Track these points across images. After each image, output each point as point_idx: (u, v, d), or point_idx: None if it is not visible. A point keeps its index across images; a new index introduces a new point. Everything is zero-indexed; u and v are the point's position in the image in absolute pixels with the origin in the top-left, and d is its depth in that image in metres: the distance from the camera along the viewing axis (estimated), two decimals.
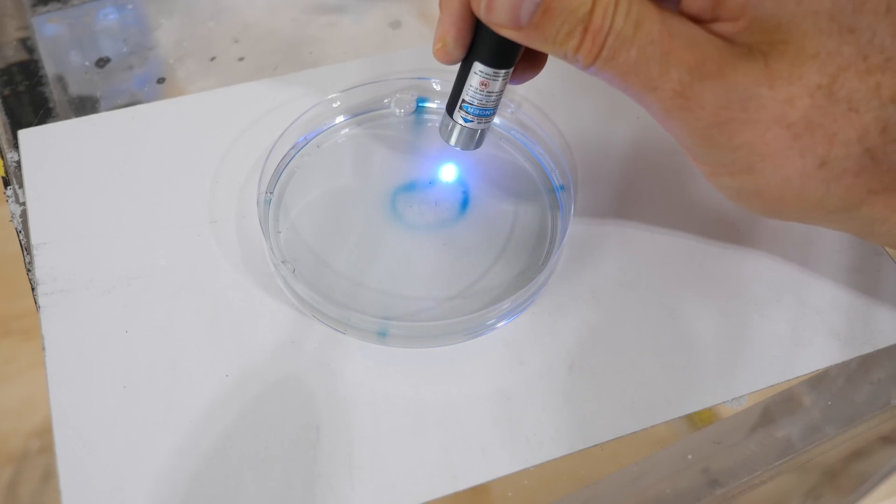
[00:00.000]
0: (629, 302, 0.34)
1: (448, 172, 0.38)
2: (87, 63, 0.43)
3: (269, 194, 0.36)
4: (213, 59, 0.44)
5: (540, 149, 0.38)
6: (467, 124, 0.32)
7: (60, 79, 0.43)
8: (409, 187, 0.37)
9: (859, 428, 0.33)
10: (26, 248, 0.35)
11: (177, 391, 0.31)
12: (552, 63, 0.43)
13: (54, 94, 0.42)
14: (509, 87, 0.41)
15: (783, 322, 0.34)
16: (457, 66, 0.31)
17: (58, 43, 0.45)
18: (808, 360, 0.33)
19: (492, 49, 0.30)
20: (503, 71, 0.30)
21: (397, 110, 0.40)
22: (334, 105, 0.39)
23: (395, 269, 0.34)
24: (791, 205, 0.27)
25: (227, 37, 0.45)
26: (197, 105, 0.40)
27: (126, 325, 0.33)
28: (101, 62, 0.44)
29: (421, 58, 0.43)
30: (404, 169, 0.38)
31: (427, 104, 0.40)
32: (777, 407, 0.33)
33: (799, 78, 0.25)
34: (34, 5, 0.46)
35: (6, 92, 0.42)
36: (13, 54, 0.43)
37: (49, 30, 0.45)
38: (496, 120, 0.39)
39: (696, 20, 0.26)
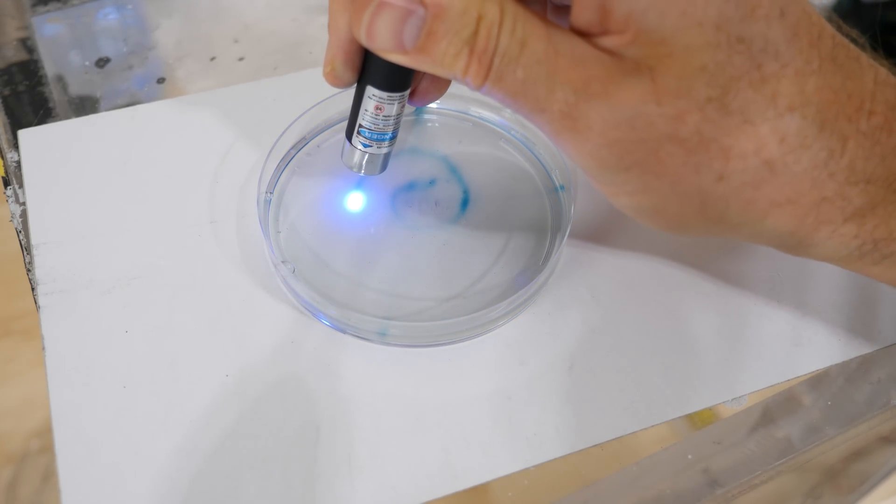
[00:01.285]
0: (629, 302, 0.34)
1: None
2: (87, 63, 0.43)
3: (269, 194, 0.36)
4: (213, 59, 0.44)
5: (540, 149, 0.38)
6: (367, 149, 0.31)
7: (60, 79, 0.43)
8: (409, 187, 0.37)
9: (859, 428, 0.33)
10: (26, 248, 0.35)
11: (177, 391, 0.31)
12: None
13: (54, 94, 0.42)
14: None
15: (783, 322, 0.34)
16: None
17: (58, 43, 0.45)
18: (808, 360, 0.33)
19: (383, 73, 0.28)
20: (398, 94, 0.29)
21: None
22: (334, 105, 0.39)
23: (395, 269, 0.34)
24: (693, 221, 0.26)
25: (227, 37, 0.45)
26: (197, 105, 0.40)
27: (126, 325, 0.33)
28: (101, 62, 0.44)
29: None
30: (404, 169, 0.38)
31: (428, 105, 0.40)
32: (777, 407, 0.33)
33: (687, 92, 0.24)
34: (34, 5, 0.46)
35: (6, 92, 0.42)
36: (13, 54, 0.43)
37: (49, 30, 0.45)
38: (496, 118, 0.39)
39: (586, 34, 0.25)
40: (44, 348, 0.32)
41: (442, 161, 0.38)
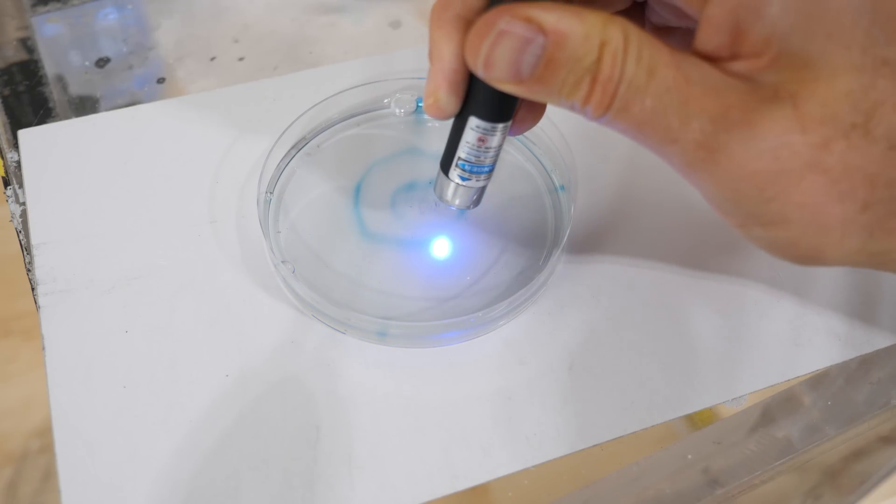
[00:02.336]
0: (629, 302, 0.34)
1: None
2: (87, 63, 0.43)
3: (269, 194, 0.36)
4: (213, 59, 0.44)
5: (540, 149, 0.38)
6: (464, 183, 0.29)
7: (60, 79, 0.43)
8: (409, 187, 0.37)
9: (859, 428, 0.33)
10: (26, 248, 0.35)
11: (177, 391, 0.31)
12: None
13: (54, 94, 0.42)
14: None
15: (783, 322, 0.34)
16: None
17: (58, 43, 0.45)
18: (808, 360, 0.33)
19: (490, 103, 0.27)
20: (501, 125, 0.28)
21: (397, 110, 0.40)
22: (334, 105, 0.39)
23: (394, 269, 0.34)
24: (830, 252, 0.25)
25: (227, 37, 0.45)
26: (197, 105, 0.40)
27: (126, 325, 0.33)
28: (101, 62, 0.44)
29: (421, 58, 0.43)
30: (404, 169, 0.38)
31: None
32: (777, 407, 0.33)
33: (832, 118, 0.23)
34: (34, 5, 0.46)
35: (6, 92, 0.42)
36: (13, 54, 0.43)
37: (49, 30, 0.45)
38: None
39: (713, 58, 0.24)
40: (44, 348, 0.32)
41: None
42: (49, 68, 0.43)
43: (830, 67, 0.23)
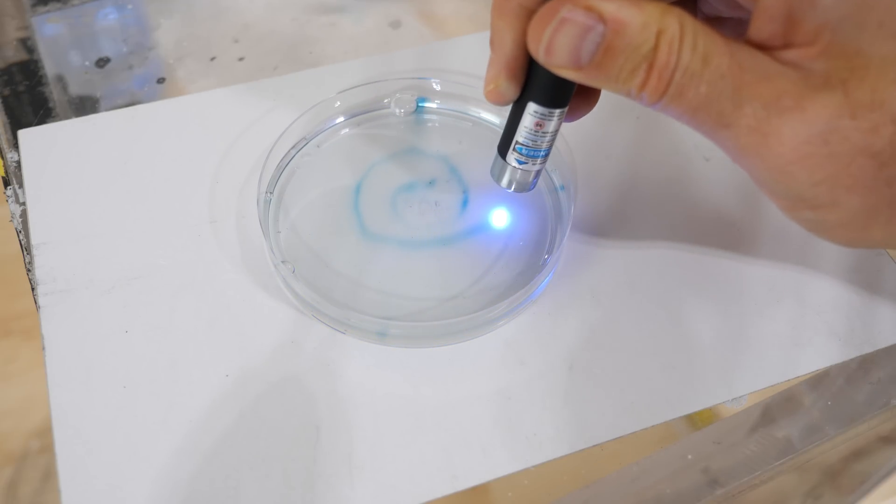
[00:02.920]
0: (629, 302, 0.34)
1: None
2: (87, 63, 0.43)
3: (268, 194, 0.36)
4: (213, 59, 0.44)
5: None
6: (521, 166, 0.30)
7: (60, 79, 0.43)
8: (409, 187, 0.37)
9: (859, 428, 0.33)
10: (26, 248, 0.35)
11: (177, 391, 0.31)
12: None
13: (54, 94, 0.42)
14: None
15: (783, 322, 0.34)
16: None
17: (58, 43, 0.45)
18: (808, 360, 0.33)
19: (548, 89, 0.28)
20: (559, 110, 0.29)
21: (397, 110, 0.40)
22: (334, 105, 0.39)
23: (395, 268, 0.34)
24: (879, 235, 0.26)
25: (227, 37, 0.45)
26: (197, 105, 0.40)
27: (126, 325, 0.33)
28: (101, 62, 0.44)
29: (421, 58, 0.43)
30: (404, 169, 0.38)
31: (427, 104, 0.40)
32: (777, 407, 0.33)
33: (881, 105, 0.24)
34: (34, 5, 0.46)
35: (6, 92, 0.42)
36: (13, 54, 0.43)
37: (49, 30, 0.45)
38: (495, 119, 0.39)
39: (765, 47, 0.24)
40: (44, 348, 0.32)
41: (442, 161, 0.38)
42: (49, 68, 0.43)
43: (880, 56, 0.23)
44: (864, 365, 0.33)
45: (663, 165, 0.39)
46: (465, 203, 0.37)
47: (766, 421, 0.32)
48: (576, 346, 0.33)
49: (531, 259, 0.35)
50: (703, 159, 0.39)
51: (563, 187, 0.37)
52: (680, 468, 0.31)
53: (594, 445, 0.30)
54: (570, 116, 0.30)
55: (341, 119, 0.40)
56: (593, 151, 0.39)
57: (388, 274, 0.34)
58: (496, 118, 0.39)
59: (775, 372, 0.32)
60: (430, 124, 0.40)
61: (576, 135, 0.40)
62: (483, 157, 0.38)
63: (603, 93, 0.41)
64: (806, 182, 0.25)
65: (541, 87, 0.28)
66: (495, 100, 0.29)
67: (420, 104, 0.40)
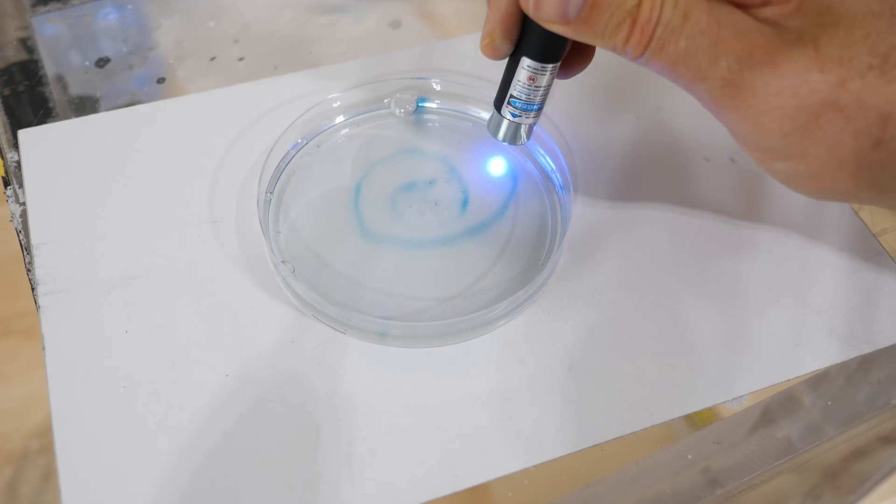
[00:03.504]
0: (629, 302, 0.34)
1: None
2: (87, 63, 0.43)
3: (269, 194, 0.36)
4: (213, 59, 0.44)
5: (540, 149, 0.38)
6: (515, 119, 0.32)
7: (60, 79, 0.43)
8: (409, 187, 0.37)
9: (859, 428, 0.33)
10: (26, 248, 0.35)
11: (177, 391, 0.31)
12: None
13: (54, 94, 0.42)
14: None
15: (783, 322, 0.34)
16: (501, 63, 0.31)
17: (58, 43, 0.45)
18: (808, 360, 0.33)
19: (539, 44, 0.30)
20: (551, 65, 0.30)
21: (397, 110, 0.40)
22: (334, 105, 0.39)
23: (394, 269, 0.34)
24: (845, 186, 0.27)
25: (227, 37, 0.45)
26: (197, 105, 0.40)
27: (126, 325, 0.33)
28: (101, 62, 0.44)
29: (421, 58, 0.43)
30: (404, 169, 0.38)
31: (427, 104, 0.40)
32: (777, 407, 0.33)
33: (850, 60, 0.25)
34: (34, 5, 0.46)
35: (6, 92, 0.42)
36: (13, 54, 0.43)
37: (49, 30, 0.45)
38: None
39: (743, 5, 0.26)
40: (44, 348, 0.32)
41: (442, 161, 0.38)
42: (49, 68, 0.43)
43: (850, 13, 0.25)
44: (864, 365, 0.33)
45: (663, 165, 0.39)
46: (465, 203, 0.37)
47: (766, 421, 0.32)
48: (576, 346, 0.33)
49: (531, 259, 0.35)
50: (703, 159, 0.39)
51: (563, 187, 0.37)
52: (680, 468, 0.31)
53: (594, 445, 0.30)
54: (565, 73, 0.32)
55: (341, 119, 0.40)
56: (593, 151, 0.39)
57: (387, 274, 0.34)
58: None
59: (775, 372, 0.32)
60: (430, 124, 0.40)
61: (576, 135, 0.40)
62: (483, 157, 0.38)
63: (603, 93, 0.41)
64: (776, 133, 0.26)
65: (533, 42, 0.30)
66: (490, 54, 0.30)
67: (420, 104, 0.40)
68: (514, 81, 0.31)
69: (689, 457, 0.31)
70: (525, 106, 0.32)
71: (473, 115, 0.40)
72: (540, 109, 0.32)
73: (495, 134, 0.33)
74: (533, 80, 0.30)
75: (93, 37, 0.45)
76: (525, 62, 0.30)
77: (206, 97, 0.41)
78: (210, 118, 0.40)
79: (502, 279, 0.34)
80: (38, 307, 0.33)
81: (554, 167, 0.38)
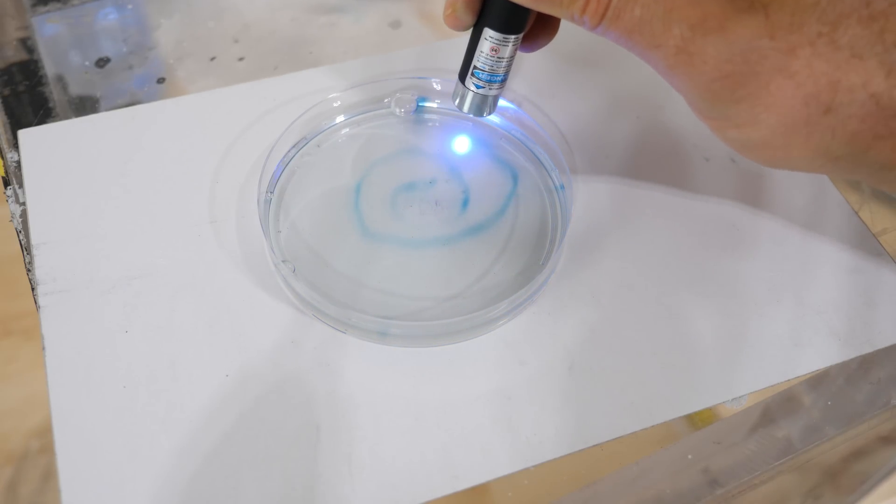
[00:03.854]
0: (629, 302, 0.34)
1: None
2: (87, 63, 0.43)
3: (269, 194, 0.36)
4: (213, 59, 0.44)
5: (540, 149, 0.38)
6: (479, 90, 0.33)
7: (60, 79, 0.43)
8: (409, 187, 0.37)
9: (859, 428, 0.33)
10: (26, 248, 0.35)
11: (177, 391, 0.31)
12: (553, 63, 0.44)
13: (54, 94, 0.42)
14: (510, 86, 0.41)
15: (783, 322, 0.34)
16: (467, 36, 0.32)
17: (58, 43, 0.45)
18: (808, 360, 0.33)
19: (501, 14, 0.30)
20: (513, 36, 0.31)
21: (397, 110, 0.40)
22: (334, 105, 0.39)
23: (395, 268, 0.34)
24: (797, 153, 0.27)
25: (227, 37, 0.45)
26: (197, 105, 0.40)
27: (126, 325, 0.33)
28: (101, 62, 0.43)
29: (421, 58, 0.43)
30: (404, 169, 0.38)
31: (427, 104, 0.40)
32: (777, 407, 0.33)
33: (800, 27, 0.25)
34: (34, 5, 0.46)
35: (6, 92, 0.42)
36: (13, 54, 0.43)
37: (49, 30, 0.45)
38: (496, 119, 0.39)
39: None
40: (44, 348, 0.32)
41: (442, 161, 0.38)
42: (49, 68, 0.43)
43: None
44: (864, 365, 0.33)
45: (663, 165, 0.39)
46: (465, 203, 0.37)
47: (766, 421, 0.32)
48: (576, 346, 0.33)
49: (531, 259, 0.35)
50: (703, 159, 0.39)
51: (562, 187, 0.37)
52: (680, 468, 0.31)
53: (594, 445, 0.30)
54: (530, 46, 0.32)
55: (341, 119, 0.40)
56: (593, 151, 0.39)
57: (388, 273, 0.34)
58: (496, 118, 0.39)
59: (775, 372, 0.32)
60: (430, 124, 0.40)
61: (576, 135, 0.40)
62: (483, 157, 0.38)
63: (603, 93, 0.41)
64: (729, 99, 0.26)
65: (495, 12, 0.30)
66: (453, 24, 0.31)
67: (420, 104, 0.40)
68: (478, 53, 0.31)
69: (689, 457, 0.31)
70: (489, 77, 0.32)
71: None
72: (504, 81, 0.33)
73: (460, 106, 0.34)
74: (496, 51, 0.31)
75: (93, 37, 0.45)
76: (487, 33, 0.31)
77: (206, 97, 0.41)
78: (210, 118, 0.40)
79: (502, 279, 0.34)
80: (38, 307, 0.33)
81: (554, 167, 0.38)
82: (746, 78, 0.26)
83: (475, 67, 0.32)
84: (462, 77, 0.33)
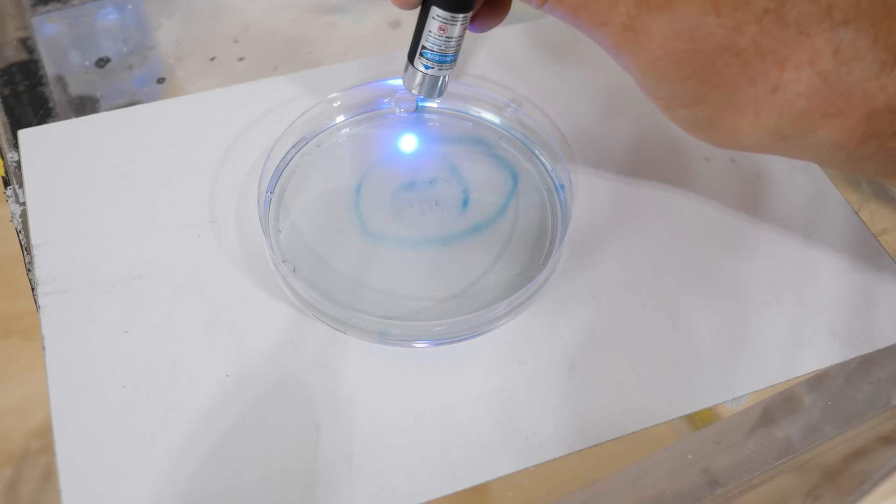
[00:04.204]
0: (629, 302, 0.34)
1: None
2: (87, 63, 0.43)
3: (269, 194, 0.36)
4: (213, 59, 0.44)
5: (540, 149, 0.38)
6: (428, 71, 0.32)
7: (60, 79, 0.43)
8: (409, 187, 0.37)
9: (859, 428, 0.33)
10: (26, 248, 0.35)
11: (177, 391, 0.31)
12: (553, 63, 0.44)
13: (54, 94, 0.42)
14: (511, 86, 0.41)
15: (783, 322, 0.34)
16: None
17: (58, 43, 0.45)
18: (808, 360, 0.33)
19: None
20: (461, 15, 0.31)
21: (397, 110, 0.40)
22: (334, 105, 0.39)
23: (395, 268, 0.34)
24: (745, 132, 0.27)
25: (227, 37, 0.45)
26: (197, 105, 0.40)
27: (126, 325, 0.33)
28: (101, 62, 0.43)
29: None
30: (404, 169, 0.38)
31: (427, 104, 0.40)
32: (777, 407, 0.33)
33: (745, 3, 0.25)
34: (34, 5, 0.46)
35: (6, 92, 0.42)
36: (13, 54, 0.43)
37: (49, 30, 0.45)
38: (496, 119, 0.39)
39: None
40: (44, 348, 0.32)
41: (442, 161, 0.38)
42: (49, 68, 0.43)
43: None
44: (864, 365, 0.33)
45: (663, 165, 0.39)
46: (465, 203, 0.37)
47: (766, 421, 0.32)
48: (576, 346, 0.33)
49: (531, 259, 0.35)
50: (703, 159, 0.39)
51: (563, 187, 0.37)
52: (680, 468, 0.31)
53: (594, 445, 0.30)
54: (480, 26, 0.32)
55: (341, 119, 0.40)
56: (593, 151, 0.39)
57: (388, 273, 0.34)
58: (496, 118, 0.39)
59: (775, 372, 0.32)
60: (430, 124, 0.40)
61: (576, 135, 0.40)
62: (483, 157, 0.38)
63: (603, 93, 0.41)
64: (675, 78, 0.26)
65: None
66: (400, 3, 0.31)
67: (420, 104, 0.40)
68: (426, 33, 0.31)
69: (689, 457, 0.31)
70: (438, 58, 0.32)
71: (473, 115, 0.40)
72: (453, 62, 0.32)
73: (410, 87, 0.33)
74: (444, 30, 0.31)
75: (93, 37, 0.45)
76: (435, 12, 0.30)
77: (206, 97, 0.41)
78: (210, 118, 0.40)
79: (502, 279, 0.34)
80: (38, 307, 0.33)
81: (554, 167, 0.38)
82: (692, 56, 0.25)
83: (423, 48, 0.32)
84: (411, 57, 0.33)
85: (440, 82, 0.33)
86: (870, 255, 0.36)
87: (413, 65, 0.33)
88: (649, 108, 0.41)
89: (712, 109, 0.27)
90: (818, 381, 0.33)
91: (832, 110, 0.26)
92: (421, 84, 0.33)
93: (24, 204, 0.36)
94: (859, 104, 0.25)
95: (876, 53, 0.25)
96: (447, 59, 0.32)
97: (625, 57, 0.27)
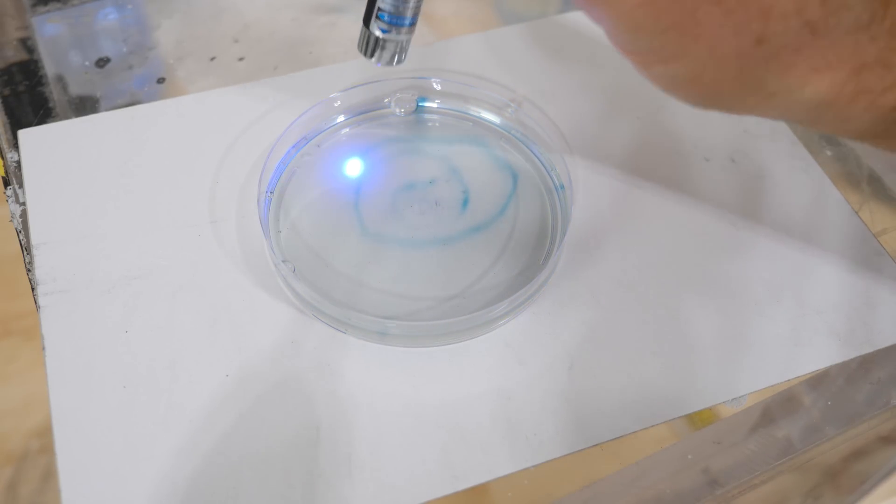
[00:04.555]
0: (629, 302, 0.34)
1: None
2: (87, 63, 0.43)
3: (269, 194, 0.36)
4: (213, 59, 0.44)
5: (540, 149, 0.38)
6: (385, 35, 0.30)
7: (60, 79, 0.43)
8: (409, 187, 0.37)
9: (859, 428, 0.33)
10: (26, 248, 0.35)
11: (177, 391, 0.31)
12: (553, 63, 0.44)
13: (54, 94, 0.42)
14: (511, 86, 0.41)
15: (783, 322, 0.34)
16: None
17: (58, 43, 0.45)
18: (808, 360, 0.33)
19: None
20: None
21: (397, 110, 0.40)
22: (334, 105, 0.39)
23: (395, 268, 0.34)
24: (730, 89, 0.25)
25: (227, 37, 0.45)
26: (197, 105, 0.40)
27: (126, 325, 0.33)
28: (101, 62, 0.43)
29: (421, 58, 0.43)
30: (404, 169, 0.38)
31: (427, 104, 0.40)
32: (777, 407, 0.33)
33: None
34: (34, 5, 0.46)
35: (6, 92, 0.42)
36: (13, 54, 0.43)
37: (49, 30, 0.45)
38: (496, 119, 0.39)
39: None
40: (44, 348, 0.32)
41: (442, 161, 0.38)
42: (49, 68, 0.43)
43: None
44: (864, 365, 0.33)
45: (663, 165, 0.39)
46: (465, 203, 0.37)
47: (766, 421, 0.32)
48: (576, 346, 0.33)
49: (531, 259, 0.35)
50: (703, 159, 0.39)
51: (562, 187, 0.37)
52: (680, 468, 0.31)
53: (594, 445, 0.30)
54: None
55: (341, 119, 0.40)
56: (593, 151, 0.39)
57: (388, 273, 0.34)
58: (496, 118, 0.39)
59: (775, 372, 0.32)
60: (430, 124, 0.40)
61: (576, 135, 0.40)
62: (483, 157, 0.38)
63: (603, 93, 0.41)
64: (653, 29, 0.24)
65: None
66: None
67: (420, 104, 0.40)
68: None
69: (689, 457, 0.31)
70: (395, 20, 0.29)
71: (473, 115, 0.40)
72: (412, 25, 0.30)
73: (366, 53, 0.31)
74: None
75: (93, 37, 0.45)
76: None
77: (206, 97, 0.41)
78: (210, 118, 0.40)
79: (502, 279, 0.34)
80: (38, 307, 0.33)
81: (554, 167, 0.38)
82: (671, 5, 0.23)
83: (380, 9, 0.29)
84: (366, 21, 0.30)
85: (397, 48, 0.31)
86: (870, 255, 0.36)
87: (368, 28, 0.30)
88: (649, 108, 0.41)
89: (693, 64, 0.24)
90: (818, 381, 0.33)
91: (820, 64, 0.24)
92: (379, 51, 0.31)
93: (24, 204, 0.36)
94: (849, 57, 0.24)
95: (866, 2, 0.24)
96: (404, 22, 0.30)
97: (598, 9, 0.24)
